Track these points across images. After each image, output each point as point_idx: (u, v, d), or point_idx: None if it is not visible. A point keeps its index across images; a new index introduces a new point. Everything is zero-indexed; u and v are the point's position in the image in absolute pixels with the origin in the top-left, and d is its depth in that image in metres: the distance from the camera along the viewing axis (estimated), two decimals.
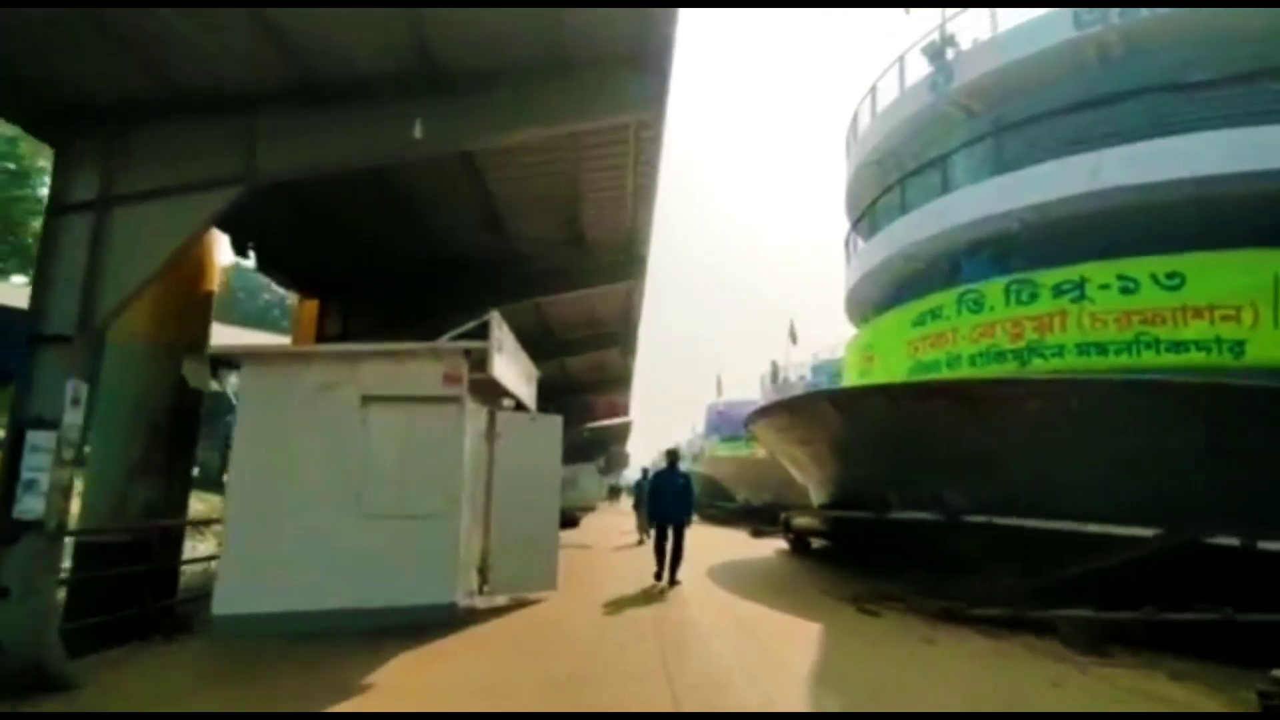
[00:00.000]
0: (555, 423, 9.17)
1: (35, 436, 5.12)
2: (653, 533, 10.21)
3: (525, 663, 5.66)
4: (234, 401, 7.89)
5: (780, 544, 16.26)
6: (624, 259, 11.70)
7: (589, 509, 28.59)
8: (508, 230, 10.20)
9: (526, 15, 5.33)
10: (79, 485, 8.99)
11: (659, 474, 10.50)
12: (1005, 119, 12.56)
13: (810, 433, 12.53)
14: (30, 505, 5.01)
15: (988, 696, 4.98)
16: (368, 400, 7.02)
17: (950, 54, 13.28)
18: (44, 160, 23.98)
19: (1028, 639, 6.70)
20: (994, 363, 10.52)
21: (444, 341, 7.37)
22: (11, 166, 25.65)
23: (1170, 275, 9.16)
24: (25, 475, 5.05)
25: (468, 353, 7.26)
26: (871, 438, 10.82)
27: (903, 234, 13.47)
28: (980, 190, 11.95)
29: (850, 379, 14.81)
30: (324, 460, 6.86)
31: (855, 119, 16.96)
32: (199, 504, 17.40)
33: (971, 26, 13.57)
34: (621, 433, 44.12)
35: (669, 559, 9.57)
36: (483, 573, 8.24)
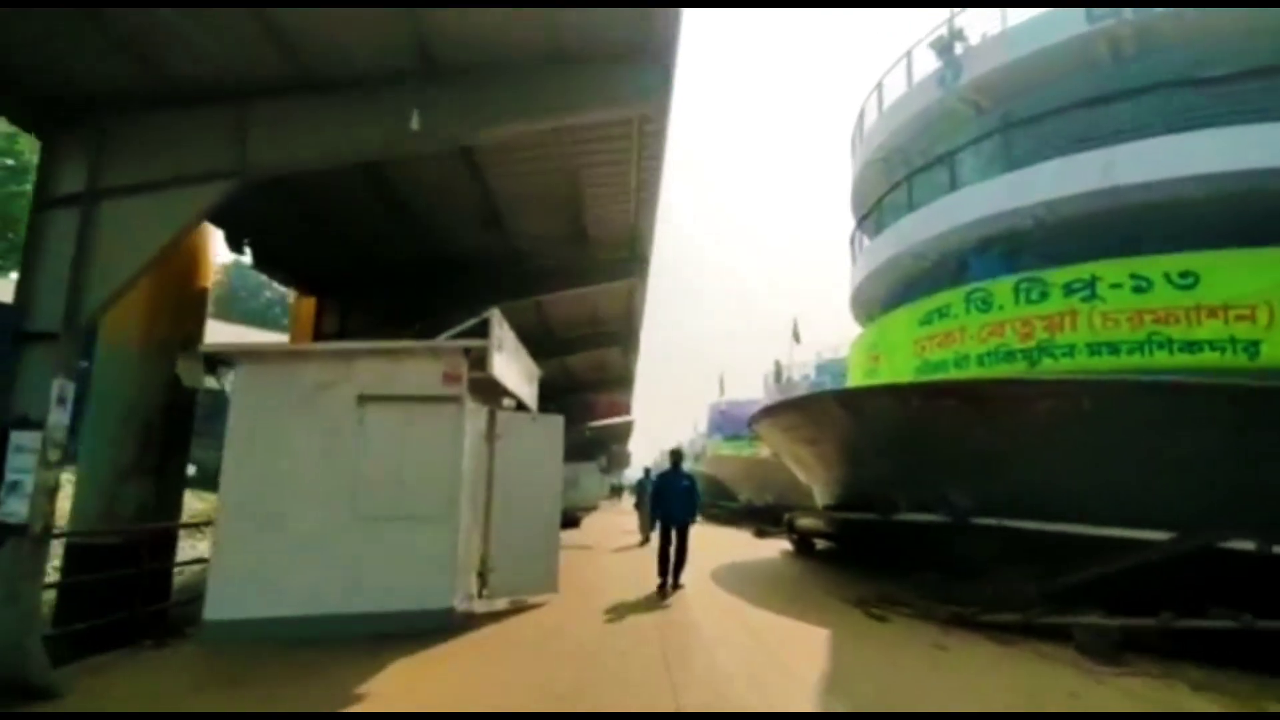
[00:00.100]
0: (556, 423, 8.99)
1: (20, 437, 4.98)
2: (656, 535, 9.96)
3: (525, 670, 5.49)
4: None
5: (784, 545, 16.08)
6: (626, 256, 11.55)
7: (591, 508, 28.43)
8: (508, 227, 10.04)
9: (527, 10, 5.18)
10: (69, 486, 8.89)
11: (663, 475, 10.23)
12: (1014, 115, 12.36)
13: (816, 432, 12.35)
14: (14, 508, 4.87)
15: (1004, 709, 4.81)
16: (365, 400, 6.85)
17: (959, 49, 13.08)
18: None
19: (1041, 646, 6.53)
20: (1003, 363, 10.34)
21: (443, 340, 7.20)
22: (10, 162, 25.49)
23: (1184, 274, 8.98)
24: (9, 477, 4.92)
25: (467, 351, 7.08)
26: (878, 438, 10.64)
27: (910, 231, 13.29)
28: (989, 187, 11.76)
29: (855, 379, 14.63)
30: (320, 461, 6.68)
31: (861, 116, 16.75)
32: (199, 503, 17.31)
33: (980, 21, 13.30)
34: (623, 432, 44.06)
35: (672, 562, 9.36)
36: (482, 576, 8.07)
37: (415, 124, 5.41)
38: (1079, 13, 11.20)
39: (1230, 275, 8.71)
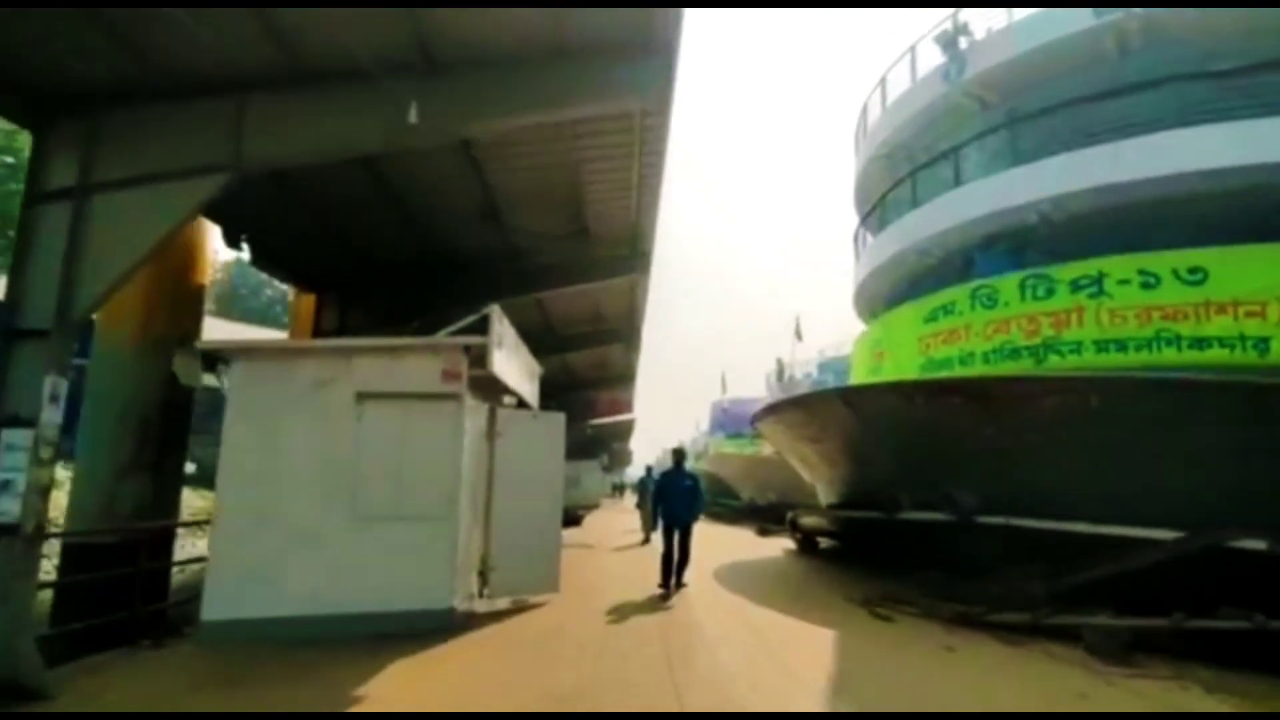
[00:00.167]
0: (558, 420, 8.89)
1: (11, 435, 4.90)
2: (658, 535, 9.77)
3: (526, 672, 5.41)
4: None
5: (787, 543, 16.00)
6: (628, 253, 11.45)
7: (592, 507, 28.36)
8: (508, 224, 9.95)
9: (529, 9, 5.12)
10: (66, 485, 8.81)
11: (665, 474, 10.03)
12: (1020, 110, 12.24)
13: (820, 430, 12.25)
14: (6, 507, 4.80)
15: (1014, 711, 4.72)
16: (363, 397, 6.76)
17: (963, 43, 12.94)
18: None
19: (1049, 646, 6.43)
20: (1008, 360, 10.23)
21: (442, 336, 7.11)
22: (10, 160, 25.41)
23: (1192, 270, 8.87)
24: (1, 476, 4.84)
25: (467, 348, 6.98)
26: (883, 436, 10.54)
27: (914, 228, 13.18)
28: (994, 183, 11.65)
29: (859, 376, 14.52)
30: (318, 459, 6.60)
31: (864, 112, 16.63)
32: (199, 501, 17.21)
33: (983, 19, 13.20)
34: (625, 430, 43.99)
35: (676, 561, 9.23)
36: (483, 575, 7.98)
37: (413, 116, 5.31)
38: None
39: (1240, 271, 8.60)
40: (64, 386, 5.09)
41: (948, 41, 13.04)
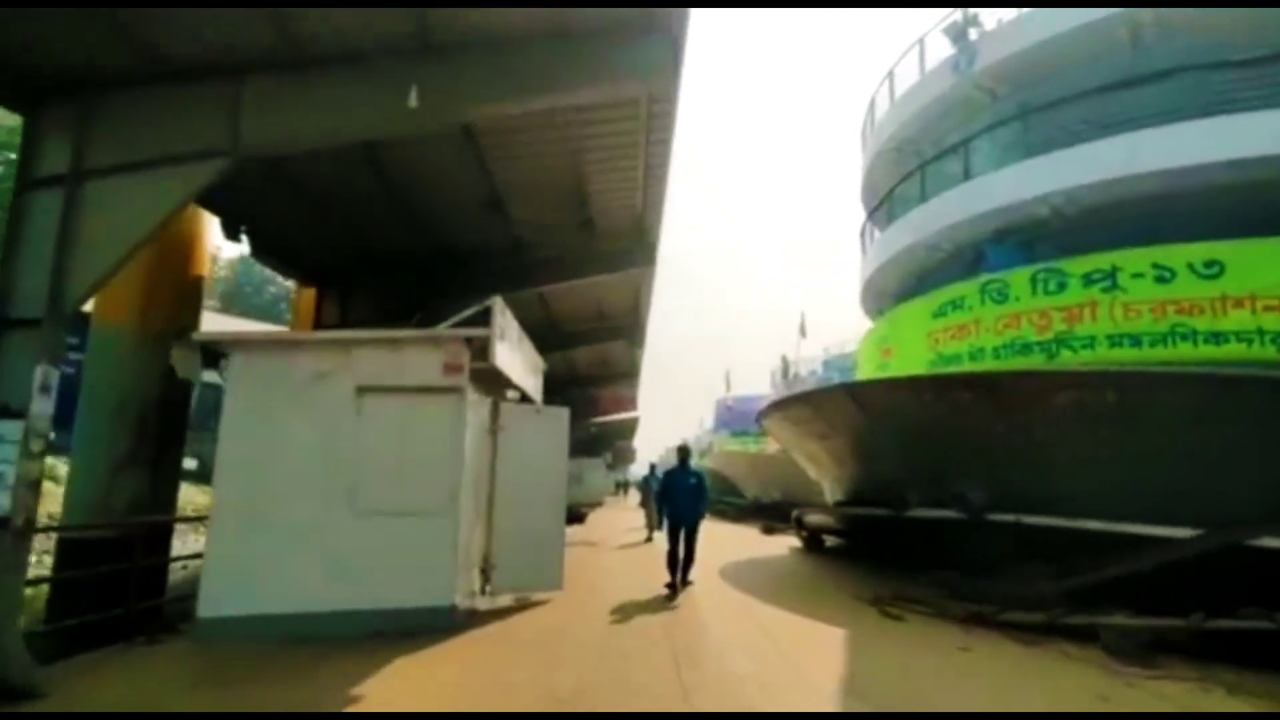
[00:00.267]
0: (562, 415, 8.73)
1: (0, 426, 4.76)
2: (662, 534, 9.52)
3: (528, 672, 5.26)
4: None
5: (792, 541, 15.86)
6: (633, 246, 11.29)
7: (596, 504, 28.25)
8: (512, 215, 9.80)
9: None
10: (58, 479, 8.69)
11: (669, 473, 9.77)
12: (1031, 102, 12.05)
13: (828, 427, 12.10)
14: None
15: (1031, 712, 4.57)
16: (363, 390, 6.61)
17: (973, 35, 12.76)
18: None
19: (1066, 646, 6.26)
20: (1019, 355, 10.07)
21: (444, 329, 6.96)
22: (13, 156, 25.35)
23: (1209, 263, 8.71)
24: None
25: (469, 340, 6.83)
26: (892, 432, 10.39)
27: (922, 222, 13.01)
28: (1005, 176, 11.49)
29: (866, 373, 14.38)
30: (316, 454, 6.45)
31: (872, 105, 16.46)
32: (202, 497, 17.12)
33: (985, 15, 13.00)
34: (628, 428, 43.87)
35: (681, 560, 9.04)
36: (485, 572, 7.83)
37: (413, 101, 5.16)
38: None
39: (1257, 264, 8.44)
40: (55, 377, 4.95)
41: (958, 33, 12.87)
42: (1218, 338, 8.51)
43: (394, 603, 6.28)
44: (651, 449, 69.85)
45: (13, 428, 4.75)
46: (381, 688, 4.76)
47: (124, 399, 7.61)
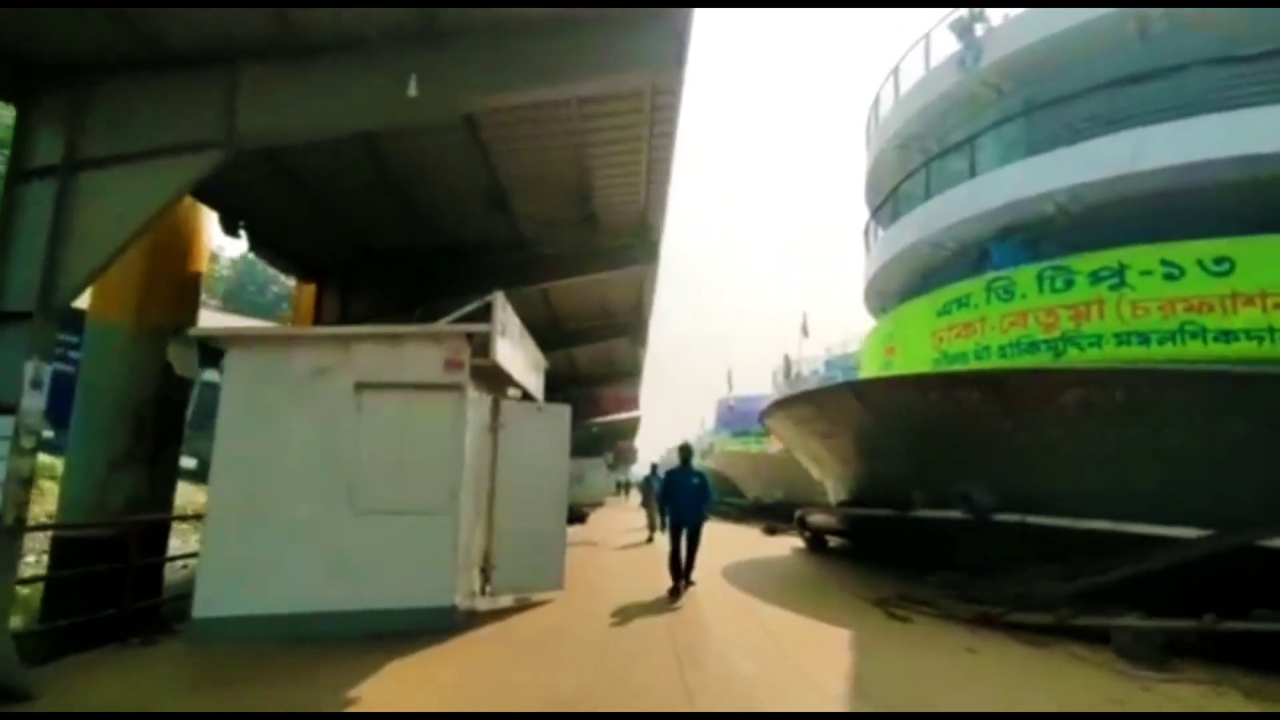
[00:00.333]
0: (563, 413, 8.61)
1: None
2: (666, 536, 9.23)
3: (528, 673, 5.16)
4: None
5: (795, 542, 15.76)
6: (636, 242, 11.18)
7: (597, 504, 28.15)
8: (514, 210, 9.69)
9: None
10: (59, 478, 8.58)
11: (671, 472, 9.52)
12: (1037, 98, 11.92)
13: (831, 426, 11.99)
14: None
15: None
16: (362, 387, 6.51)
17: (979, 30, 12.64)
18: None
19: (1074, 648, 6.16)
20: (1025, 354, 9.95)
21: (444, 324, 6.86)
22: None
23: (1218, 260, 8.57)
24: None
25: (470, 336, 6.73)
26: (897, 431, 10.28)
27: (927, 220, 12.88)
28: (1011, 173, 11.35)
29: (869, 371, 14.25)
30: (314, 452, 6.35)
31: (877, 102, 16.32)
32: (203, 496, 16.99)
33: (997, 7, 12.88)
34: (630, 428, 43.77)
35: (684, 560, 8.85)
36: (485, 572, 7.73)
37: (413, 90, 5.05)
38: None
39: (1268, 261, 8.31)
40: (47, 372, 4.86)
41: (963, 29, 12.74)
42: (1228, 336, 8.39)
43: (393, 603, 6.18)
44: (653, 449, 69.76)
45: (4, 423, 4.65)
46: (380, 689, 4.67)
47: (120, 396, 7.51)
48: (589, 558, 12.23)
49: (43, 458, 16.35)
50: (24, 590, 9.31)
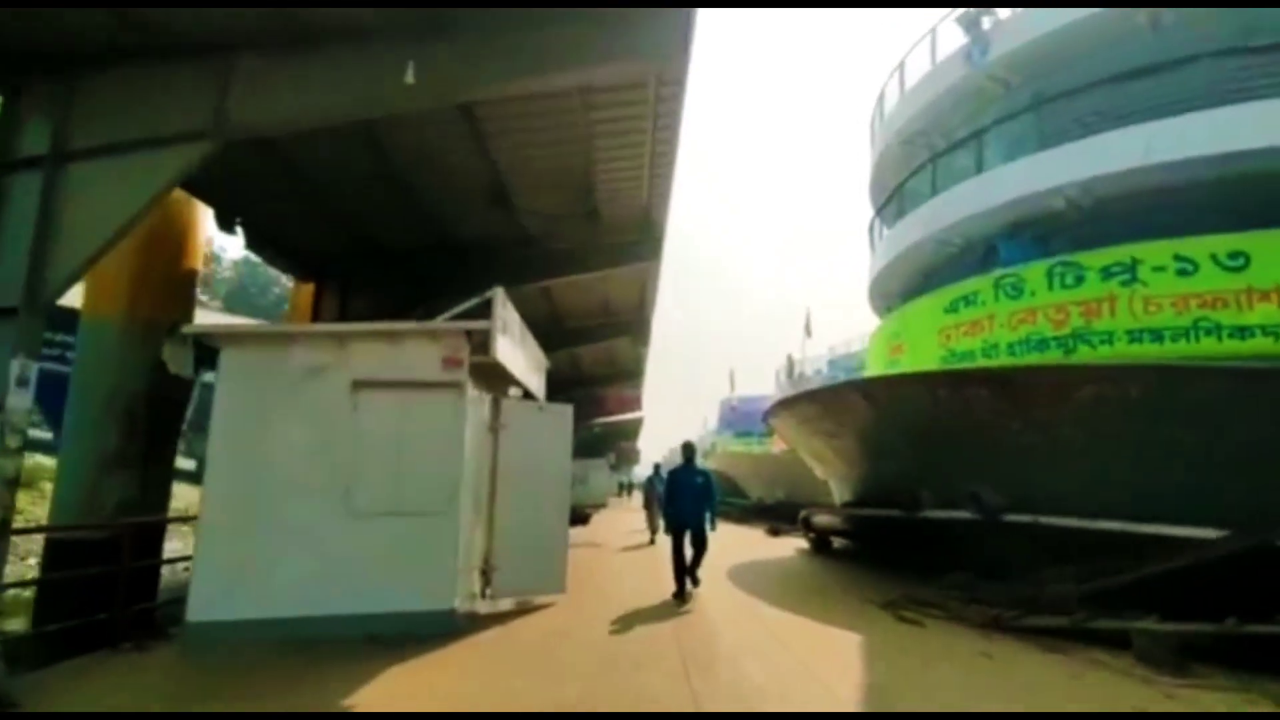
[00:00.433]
0: (565, 413, 8.44)
1: None
2: (668, 539, 8.74)
3: (530, 680, 5.01)
4: None
5: (799, 543, 15.59)
6: (639, 238, 11.02)
7: (600, 505, 27.99)
8: (515, 205, 9.53)
9: None
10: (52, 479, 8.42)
11: (674, 471, 9.13)
12: (1046, 92, 11.74)
13: (836, 425, 11.82)
14: None
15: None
16: (359, 386, 6.34)
17: (986, 23, 12.47)
18: None
19: (1093, 653, 5.97)
20: (1035, 351, 9.81)
21: (443, 321, 6.69)
22: None
23: (1233, 255, 8.43)
24: None
25: (469, 333, 6.56)
26: (904, 430, 10.11)
27: (933, 217, 12.72)
28: (1019, 168, 11.19)
29: (875, 370, 14.09)
30: (310, 452, 6.18)
31: (881, 98, 16.15)
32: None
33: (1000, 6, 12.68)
34: (632, 429, 43.63)
35: (689, 560, 8.55)
36: (485, 575, 7.56)
37: (410, 77, 4.89)
38: None
39: None
40: (33, 369, 4.71)
41: (970, 22, 12.55)
42: (1243, 332, 8.24)
43: (391, 607, 6.01)
44: (655, 450, 69.55)
45: None
46: (378, 695, 4.54)
47: (112, 392, 7.36)
48: (592, 559, 12.06)
49: (42, 459, 16.26)
50: (25, 593, 9.20)
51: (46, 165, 4.91)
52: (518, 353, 7.70)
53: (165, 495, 8.07)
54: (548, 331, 13.55)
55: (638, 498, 31.46)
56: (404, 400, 6.42)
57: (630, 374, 25.82)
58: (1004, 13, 12.43)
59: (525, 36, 5.10)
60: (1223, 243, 8.51)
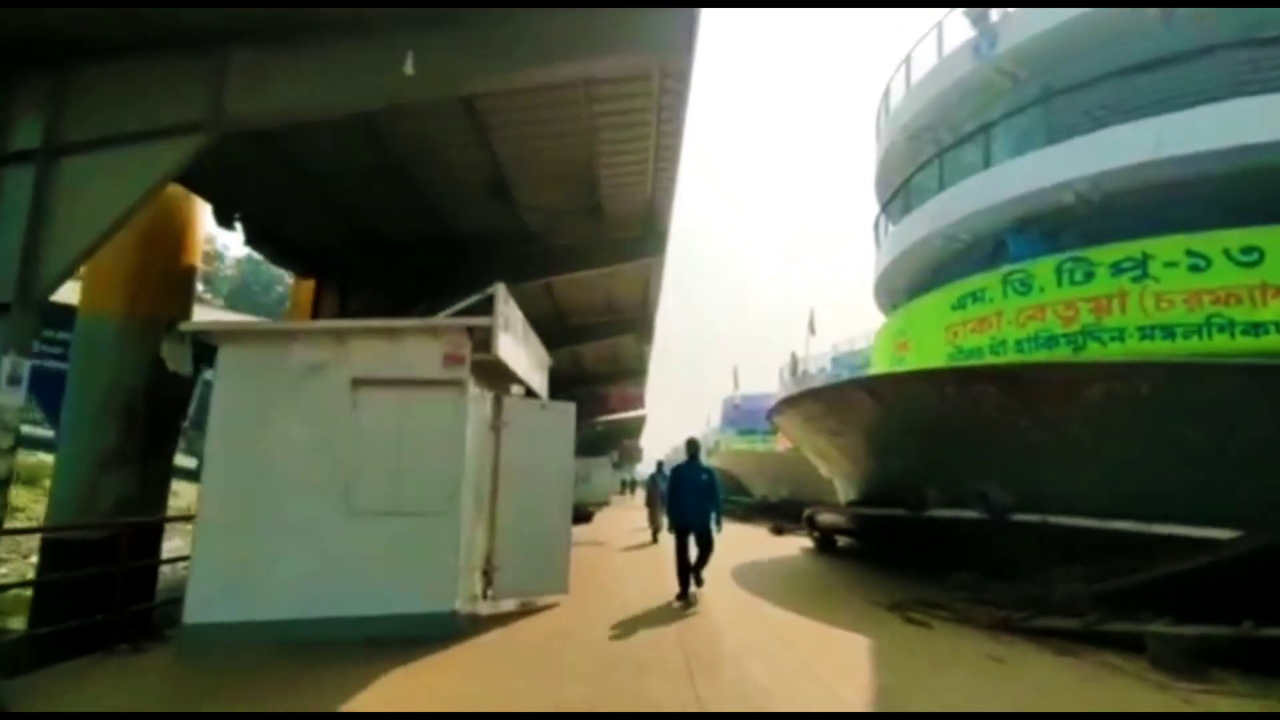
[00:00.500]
0: (568, 410, 8.32)
1: None
2: (671, 537, 8.57)
3: (533, 683, 4.92)
4: None
5: (803, 542, 15.49)
6: (643, 234, 10.91)
7: (602, 504, 27.92)
8: (518, 200, 9.43)
9: None
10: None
11: (678, 468, 8.96)
12: (1055, 85, 11.60)
13: (841, 423, 11.71)
14: None
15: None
16: (358, 383, 6.25)
17: (994, 16, 12.32)
18: None
19: (1105, 656, 5.86)
20: (1043, 348, 9.69)
21: (444, 318, 6.59)
22: None
23: (1246, 250, 8.31)
24: None
25: (470, 330, 6.46)
26: (910, 428, 10.00)
27: (940, 212, 12.59)
28: (1027, 162, 11.06)
29: (881, 367, 13.99)
30: (309, 451, 6.09)
31: (887, 94, 16.01)
32: None
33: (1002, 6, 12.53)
34: (635, 427, 43.55)
35: (694, 560, 8.35)
36: (487, 575, 7.46)
37: (409, 68, 4.79)
38: None
39: None
40: (25, 367, 4.63)
41: (978, 15, 12.41)
42: (1256, 329, 8.12)
43: (391, 608, 5.91)
44: (658, 448, 69.59)
45: None
46: (379, 699, 4.46)
47: (110, 389, 7.28)
48: (595, 558, 11.98)
49: (44, 457, 16.22)
50: (25, 593, 9.14)
51: (39, 159, 4.83)
52: (520, 350, 7.61)
53: (164, 492, 8.00)
54: (550, 329, 13.45)
55: (640, 495, 31.40)
56: (404, 398, 6.32)
57: (633, 372, 25.73)
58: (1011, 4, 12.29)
59: (525, 27, 4.99)
60: (1236, 238, 8.39)
